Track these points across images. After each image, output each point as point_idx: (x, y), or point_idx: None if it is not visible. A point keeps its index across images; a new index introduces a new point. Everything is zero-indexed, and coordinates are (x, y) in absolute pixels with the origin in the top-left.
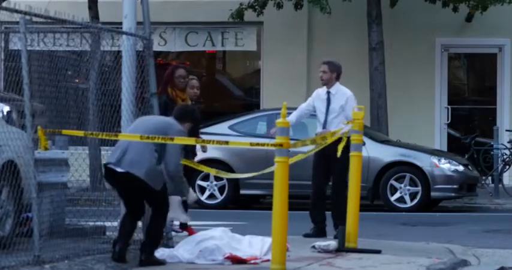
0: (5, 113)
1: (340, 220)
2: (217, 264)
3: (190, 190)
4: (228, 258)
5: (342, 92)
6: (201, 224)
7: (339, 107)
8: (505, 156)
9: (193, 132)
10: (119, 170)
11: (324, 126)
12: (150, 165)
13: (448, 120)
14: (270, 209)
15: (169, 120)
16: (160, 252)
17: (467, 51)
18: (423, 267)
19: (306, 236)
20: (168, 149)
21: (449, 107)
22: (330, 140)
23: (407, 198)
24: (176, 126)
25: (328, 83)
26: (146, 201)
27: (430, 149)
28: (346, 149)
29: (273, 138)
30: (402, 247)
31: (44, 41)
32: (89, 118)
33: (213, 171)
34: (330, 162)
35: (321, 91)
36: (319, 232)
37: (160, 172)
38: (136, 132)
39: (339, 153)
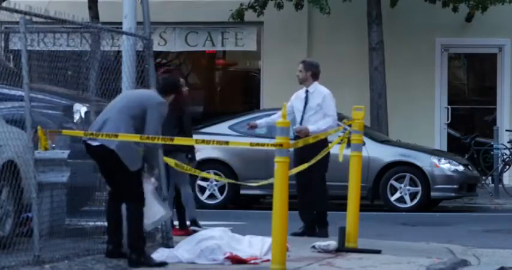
0: (82, 114)
1: (321, 221)
2: (218, 264)
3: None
4: (228, 258)
5: (319, 91)
6: (201, 224)
7: (316, 105)
8: (505, 156)
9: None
10: (93, 143)
11: (301, 123)
12: (124, 141)
13: (448, 120)
14: (270, 209)
15: (151, 93)
16: (160, 253)
17: (467, 51)
18: (423, 267)
19: (294, 234)
20: (148, 121)
21: (449, 107)
22: (335, 142)
23: (407, 198)
24: (156, 99)
25: (304, 82)
26: (120, 187)
27: (430, 149)
28: (322, 148)
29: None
30: (402, 247)
31: (44, 41)
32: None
33: (208, 176)
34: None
35: (301, 91)
36: (309, 231)
37: (135, 150)
38: (118, 104)
39: (340, 158)
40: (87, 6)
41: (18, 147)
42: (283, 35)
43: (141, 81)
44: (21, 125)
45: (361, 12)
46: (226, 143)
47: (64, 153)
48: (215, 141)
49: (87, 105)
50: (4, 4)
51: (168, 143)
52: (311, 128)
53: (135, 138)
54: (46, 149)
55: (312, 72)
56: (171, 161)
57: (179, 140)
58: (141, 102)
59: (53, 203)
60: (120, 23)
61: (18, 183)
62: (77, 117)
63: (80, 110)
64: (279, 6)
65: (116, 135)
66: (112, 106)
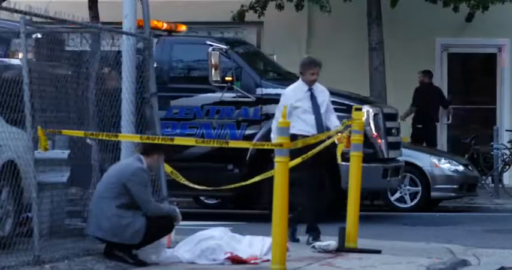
0: (371, 116)
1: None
2: (218, 265)
3: (177, 209)
4: (229, 258)
5: (321, 88)
6: (201, 224)
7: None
8: (505, 156)
9: None
10: (89, 232)
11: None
12: (111, 225)
13: (448, 120)
14: (269, 209)
15: (126, 164)
16: (162, 253)
17: (467, 51)
18: (423, 267)
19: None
20: (135, 197)
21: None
22: (329, 141)
23: (407, 198)
24: (129, 170)
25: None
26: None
27: (430, 149)
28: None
29: None
30: (402, 247)
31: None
32: (89, 118)
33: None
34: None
35: (298, 90)
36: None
37: (126, 225)
38: (100, 189)
39: (339, 159)
40: (87, 6)
41: (18, 147)
42: (283, 35)
43: (141, 81)
44: None
45: (361, 12)
46: (227, 143)
47: (64, 153)
48: (215, 141)
49: (377, 107)
50: (4, 4)
51: (168, 143)
52: None
53: (135, 138)
54: (46, 149)
55: None
56: (168, 169)
57: (179, 140)
58: (118, 178)
59: (53, 203)
60: (120, 23)
61: (18, 183)
62: (365, 119)
63: (368, 110)
64: (280, 6)
65: (116, 136)
66: (96, 192)
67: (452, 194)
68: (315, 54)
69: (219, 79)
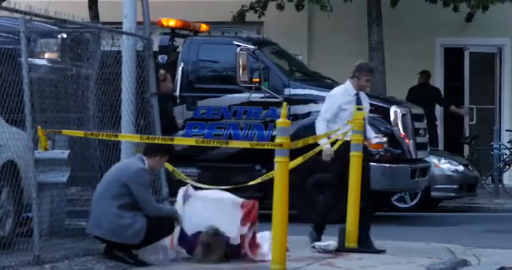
0: (399, 116)
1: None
2: (218, 264)
3: (177, 211)
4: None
5: (363, 94)
6: None
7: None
8: (505, 156)
9: None
10: (88, 231)
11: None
12: (111, 225)
13: (472, 121)
14: (270, 209)
15: (128, 163)
16: (162, 253)
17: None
18: (423, 267)
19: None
20: (137, 198)
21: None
22: (331, 140)
23: (407, 198)
24: (130, 170)
25: None
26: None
27: (430, 149)
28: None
29: None
30: (402, 247)
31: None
32: (89, 118)
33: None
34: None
35: (346, 93)
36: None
37: (126, 225)
38: (100, 189)
39: (332, 153)
40: (87, 6)
41: (18, 147)
42: (284, 35)
43: (141, 81)
44: None
45: (361, 12)
46: (227, 143)
47: (64, 153)
48: (215, 141)
49: (405, 107)
50: (4, 4)
51: (168, 142)
52: None
53: (135, 138)
54: (46, 149)
55: None
56: (170, 167)
57: (179, 140)
58: (119, 178)
59: (53, 203)
60: (120, 23)
61: (18, 183)
62: (393, 119)
63: (396, 110)
64: (280, 7)
65: (116, 136)
66: (96, 191)
67: (452, 194)
68: (315, 54)
69: (246, 79)
